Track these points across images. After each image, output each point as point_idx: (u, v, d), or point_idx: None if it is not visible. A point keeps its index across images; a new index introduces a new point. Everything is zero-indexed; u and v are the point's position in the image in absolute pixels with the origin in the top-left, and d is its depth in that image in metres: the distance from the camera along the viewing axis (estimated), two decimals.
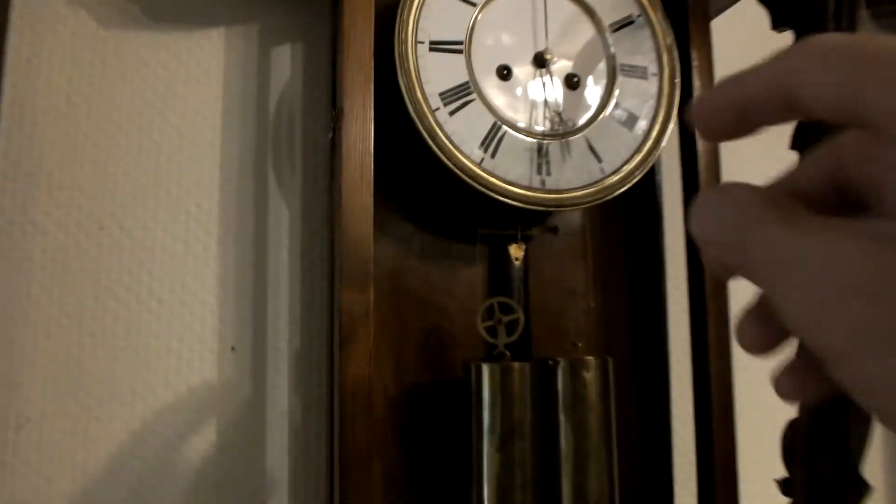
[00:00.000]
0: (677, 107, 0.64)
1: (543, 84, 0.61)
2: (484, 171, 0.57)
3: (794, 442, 0.59)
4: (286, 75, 0.67)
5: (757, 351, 0.24)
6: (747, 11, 0.65)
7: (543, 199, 0.58)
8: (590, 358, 0.59)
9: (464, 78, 0.58)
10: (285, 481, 0.62)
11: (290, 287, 0.64)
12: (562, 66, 0.62)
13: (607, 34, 0.63)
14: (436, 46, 0.57)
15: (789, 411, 0.58)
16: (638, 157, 0.61)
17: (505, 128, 0.58)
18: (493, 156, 0.57)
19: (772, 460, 0.59)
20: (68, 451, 0.58)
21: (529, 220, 0.63)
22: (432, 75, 0.57)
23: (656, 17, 0.65)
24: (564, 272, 0.67)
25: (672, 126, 0.63)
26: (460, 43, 0.58)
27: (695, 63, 0.66)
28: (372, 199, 0.53)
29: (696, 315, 0.65)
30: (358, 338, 0.51)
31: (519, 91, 0.60)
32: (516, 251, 0.59)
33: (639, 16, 0.64)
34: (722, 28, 0.69)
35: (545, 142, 0.59)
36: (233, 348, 0.62)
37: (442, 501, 0.60)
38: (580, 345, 0.61)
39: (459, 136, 0.56)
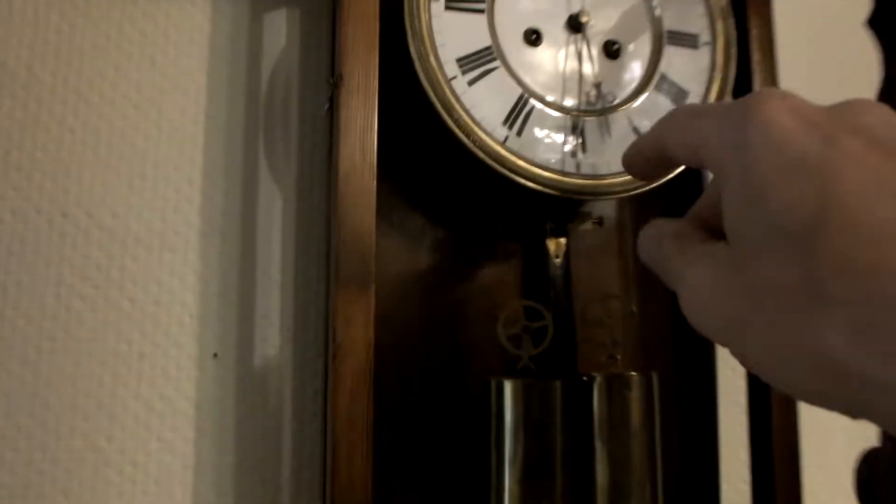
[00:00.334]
0: (733, 82, 0.56)
1: (578, 51, 0.53)
2: (508, 151, 0.49)
3: (874, 476, 0.51)
4: (280, 44, 0.61)
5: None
6: None
7: (578, 185, 0.50)
8: (633, 374, 0.51)
9: (486, 42, 0.50)
10: None
11: (281, 287, 0.58)
12: (599, 31, 0.54)
13: None
14: (453, 4, 0.50)
15: (865, 437, 0.50)
16: None
17: (533, 101, 0.51)
18: (518, 134, 0.50)
19: (844, 496, 0.50)
20: (21, 472, 0.51)
21: (559, 210, 0.55)
22: (448, 38, 0.50)
23: None
24: (600, 272, 0.60)
25: None
26: (482, 0, 0.51)
27: (753, 31, 0.58)
28: (375, 184, 0.47)
29: None
30: (356, 349, 0.44)
31: (550, 59, 0.53)
32: (556, 247, 0.50)
33: None
34: None
35: (580, 119, 0.52)
36: (215, 355, 0.56)
37: None
38: (619, 357, 0.53)
39: (480, 109, 0.49)
